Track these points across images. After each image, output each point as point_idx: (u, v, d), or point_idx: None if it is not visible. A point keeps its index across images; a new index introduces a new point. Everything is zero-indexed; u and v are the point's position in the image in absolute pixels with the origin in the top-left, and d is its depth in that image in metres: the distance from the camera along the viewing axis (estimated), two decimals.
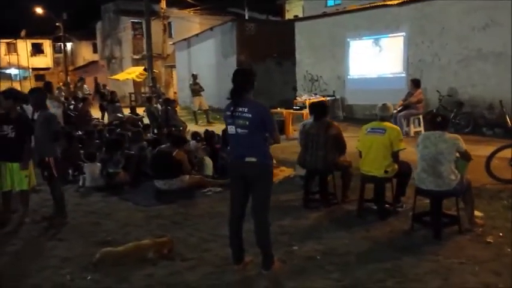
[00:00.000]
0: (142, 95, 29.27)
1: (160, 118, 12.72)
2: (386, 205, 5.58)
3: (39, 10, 37.97)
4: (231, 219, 4.16)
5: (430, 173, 4.76)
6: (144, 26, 30.52)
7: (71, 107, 13.23)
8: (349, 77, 14.96)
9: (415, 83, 11.68)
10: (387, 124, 5.42)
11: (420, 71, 12.94)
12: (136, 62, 31.21)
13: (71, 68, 42.10)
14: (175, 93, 26.92)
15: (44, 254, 4.69)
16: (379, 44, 14.08)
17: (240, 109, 3.89)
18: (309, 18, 16.79)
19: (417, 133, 11.49)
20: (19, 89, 39.27)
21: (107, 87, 18.14)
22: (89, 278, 4.09)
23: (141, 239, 4.95)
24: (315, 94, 15.13)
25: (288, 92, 20.23)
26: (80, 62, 44.14)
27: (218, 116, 18.01)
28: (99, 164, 7.60)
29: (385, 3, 13.82)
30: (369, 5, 14.26)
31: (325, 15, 16.10)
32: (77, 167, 8.05)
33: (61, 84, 40.05)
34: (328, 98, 14.72)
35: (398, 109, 11.80)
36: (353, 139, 6.39)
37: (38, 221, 5.74)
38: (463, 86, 12.09)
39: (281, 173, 7.99)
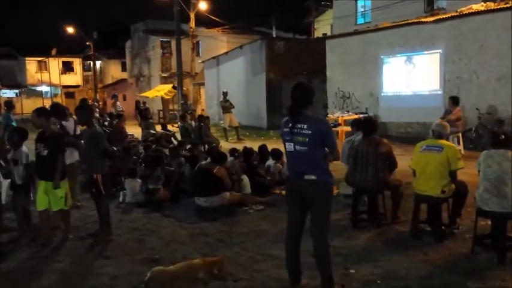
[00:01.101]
0: (171, 112, 29.58)
1: (193, 135, 12.68)
2: (442, 227, 5.33)
3: (70, 29, 38.91)
4: (288, 239, 4.00)
5: (494, 193, 4.52)
6: (173, 44, 31.34)
7: (106, 123, 13.34)
8: (382, 94, 14.75)
9: (454, 101, 11.38)
10: (444, 142, 5.22)
11: (457, 88, 12.66)
12: (164, 80, 31.62)
13: (99, 85, 42.87)
14: (202, 110, 27.03)
15: (93, 272, 4.59)
16: (414, 61, 13.87)
17: (299, 125, 3.76)
18: (340, 35, 16.71)
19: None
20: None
21: (146, 105, 18.34)
22: None
23: (188, 257, 4.86)
24: (348, 111, 14.94)
25: (317, 110, 20.09)
26: (109, 80, 44.92)
27: (248, 133, 17.99)
28: (139, 180, 7.55)
29: (420, 20, 13.64)
30: (403, 22, 14.10)
31: (357, 32, 16.01)
32: (117, 183, 8.02)
33: (90, 101, 41.08)
34: (361, 116, 14.51)
35: None
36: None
37: (82, 238, 5.67)
38: (503, 103, 11.75)
39: None
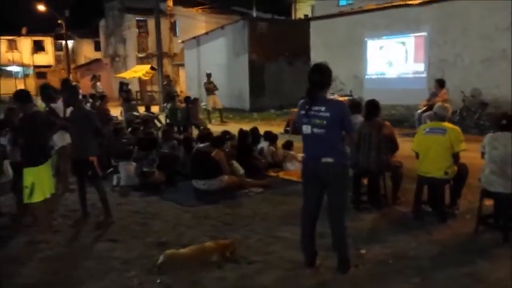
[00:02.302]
0: (148, 93, 29.14)
1: (181, 117, 12.51)
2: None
3: (41, 7, 37.56)
4: (304, 221, 4.01)
5: (499, 175, 4.62)
6: (149, 24, 30.68)
7: (88, 104, 12.99)
8: (367, 76, 14.86)
9: (440, 83, 11.55)
10: (447, 124, 5.28)
11: (442, 71, 12.86)
12: (140, 61, 31.00)
13: (72, 66, 41.71)
14: (181, 91, 26.71)
15: (103, 256, 4.52)
16: (399, 43, 13.98)
17: (317, 108, 3.74)
18: (325, 17, 16.66)
19: None
20: (21, 86, 39.06)
21: (129, 86, 17.93)
22: (158, 281, 3.93)
23: (196, 240, 4.84)
24: (333, 94, 14.97)
25: (299, 92, 19.99)
26: (81, 60, 43.74)
27: (231, 115, 17.90)
28: (134, 163, 7.44)
29: (406, 2, 13.72)
30: (388, 5, 14.16)
31: (342, 14, 15.99)
32: (108, 165, 7.89)
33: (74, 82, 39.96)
34: (346, 98, 14.60)
35: (423, 109, 11.71)
36: None
37: (77, 223, 5.57)
38: (487, 86, 12.01)
39: None
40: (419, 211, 5.43)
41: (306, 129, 3.79)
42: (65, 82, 10.75)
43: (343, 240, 3.85)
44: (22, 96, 5.00)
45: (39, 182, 4.84)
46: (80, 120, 5.44)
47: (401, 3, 13.86)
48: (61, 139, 6.71)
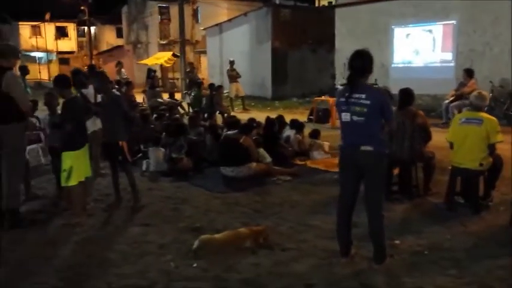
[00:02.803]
0: (170, 80, 29.26)
1: (205, 104, 12.55)
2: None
3: None
4: (340, 210, 3.99)
5: None
6: (171, 10, 30.69)
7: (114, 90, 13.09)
8: (393, 65, 14.64)
9: (469, 73, 11.33)
10: (483, 114, 5.19)
11: (470, 60, 12.58)
12: (162, 48, 31.07)
13: (94, 52, 42.04)
14: (203, 79, 26.75)
15: (138, 240, 4.58)
16: (426, 32, 13.73)
17: (357, 95, 3.69)
18: (350, 4, 16.40)
19: None
20: (45, 72, 39.60)
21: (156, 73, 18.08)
22: (194, 265, 3.97)
23: (228, 226, 4.87)
24: None
25: (321, 80, 19.99)
26: (103, 47, 44.08)
27: (253, 103, 17.87)
28: (162, 149, 7.50)
29: None
30: None
31: (368, 1, 15.71)
32: (137, 151, 7.98)
33: (86, 68, 40.33)
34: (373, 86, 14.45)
35: (450, 99, 11.53)
36: None
37: (110, 207, 5.66)
38: None
39: None
40: (452, 202, 5.37)
41: (345, 116, 3.75)
42: (91, 68, 10.90)
43: (380, 230, 3.83)
44: (62, 81, 5.08)
45: (77, 166, 4.93)
46: (110, 105, 5.52)
47: None
48: (93, 124, 6.78)
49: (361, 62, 3.75)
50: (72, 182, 4.92)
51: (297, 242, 4.50)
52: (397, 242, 4.43)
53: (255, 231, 4.46)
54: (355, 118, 3.70)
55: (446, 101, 11.56)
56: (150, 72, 16.37)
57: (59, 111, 5.63)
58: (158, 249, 4.34)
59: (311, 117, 12.97)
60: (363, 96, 3.65)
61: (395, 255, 4.14)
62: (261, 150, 7.20)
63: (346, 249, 4.02)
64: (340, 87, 13.74)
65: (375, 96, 3.67)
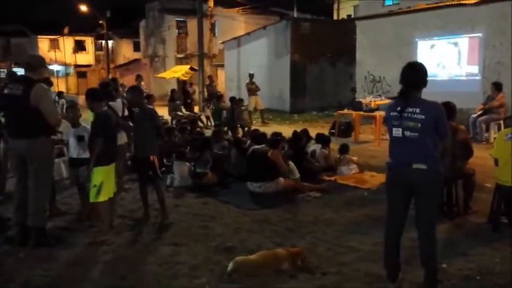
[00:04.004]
0: None
1: (226, 118, 12.39)
2: None
3: (83, 8, 38.38)
4: (389, 231, 3.73)
5: None
6: (189, 24, 30.87)
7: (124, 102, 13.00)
8: None
9: (497, 87, 11.03)
10: None
11: (497, 73, 12.24)
12: (179, 61, 31.15)
13: (111, 65, 42.43)
14: (219, 92, 26.74)
15: (168, 261, 4.36)
16: (451, 44, 13.44)
17: (411, 109, 3.46)
18: (372, 17, 16.21)
19: None
20: (63, 85, 40.01)
21: (193, 87, 18.42)
22: None
23: (262, 246, 4.64)
24: (379, 96, 14.55)
25: (340, 93, 19.75)
26: (120, 60, 44.46)
27: (271, 117, 17.67)
28: (187, 164, 7.32)
29: (460, 2, 13.16)
30: (441, 4, 13.61)
31: (391, 13, 15.51)
32: (160, 165, 7.80)
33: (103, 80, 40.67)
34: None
35: (478, 113, 11.21)
36: None
37: (140, 222, 5.47)
38: None
39: (373, 179, 7.56)
40: (497, 222, 5.07)
41: (397, 132, 3.51)
42: (131, 87, 10.80)
43: (433, 254, 3.56)
44: (94, 94, 4.95)
45: (107, 182, 4.76)
46: (145, 119, 5.41)
47: (455, 2, 13.30)
48: (118, 138, 6.65)
49: (415, 74, 3.53)
50: (102, 198, 4.75)
51: (337, 265, 4.24)
52: (444, 265, 4.14)
53: (292, 252, 4.21)
54: (407, 134, 3.46)
55: (474, 115, 11.25)
56: (185, 85, 16.64)
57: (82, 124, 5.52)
58: (191, 271, 4.12)
59: (333, 130, 12.70)
60: (417, 110, 3.42)
61: (445, 280, 3.86)
62: (291, 165, 6.98)
63: (394, 274, 3.74)
64: (362, 100, 13.60)
65: (430, 110, 3.43)
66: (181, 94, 16.61)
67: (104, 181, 4.79)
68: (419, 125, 3.42)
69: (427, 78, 3.59)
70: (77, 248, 4.73)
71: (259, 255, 4.16)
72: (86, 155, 5.38)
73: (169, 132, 8.90)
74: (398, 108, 3.51)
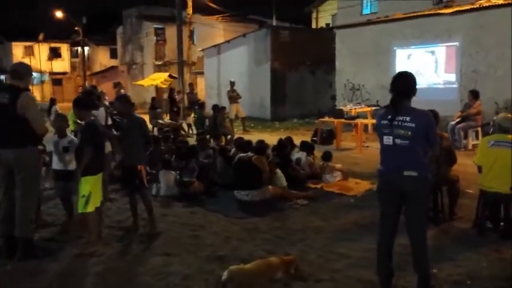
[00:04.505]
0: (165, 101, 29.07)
1: (208, 125, 12.37)
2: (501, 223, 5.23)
3: (58, 14, 37.85)
4: (381, 237, 3.78)
5: None
6: (167, 32, 30.76)
7: (115, 112, 12.88)
8: None
9: (474, 94, 11.29)
10: None
11: (474, 82, 12.58)
12: (158, 68, 30.98)
13: (87, 73, 41.88)
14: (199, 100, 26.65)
15: (160, 271, 4.32)
16: (429, 53, 13.76)
17: (401, 118, 3.54)
18: (351, 26, 16.48)
19: (475, 146, 11.15)
20: (38, 92, 39.24)
21: (180, 95, 18.33)
22: None
23: (254, 254, 4.65)
24: (359, 103, 14.76)
25: (320, 101, 19.96)
26: (97, 67, 43.97)
27: (252, 124, 17.71)
28: (173, 173, 7.27)
29: (437, 12, 13.50)
30: (418, 14, 13.94)
31: (370, 23, 15.79)
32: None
33: (80, 88, 40.08)
34: (373, 108, 14.39)
35: (456, 120, 11.47)
36: None
37: (127, 232, 5.42)
38: None
39: (357, 186, 7.66)
40: (482, 227, 5.20)
41: (387, 140, 3.59)
42: (93, 89, 10.68)
43: (425, 259, 3.62)
44: (83, 102, 4.90)
45: (95, 192, 4.70)
46: (133, 128, 5.39)
47: (432, 12, 13.65)
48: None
49: (405, 83, 3.62)
50: (90, 209, 4.68)
51: (329, 272, 4.28)
52: (434, 270, 4.21)
53: (285, 260, 4.22)
54: (398, 141, 3.54)
55: (453, 123, 11.49)
56: (173, 92, 16.68)
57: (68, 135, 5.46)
58: (184, 281, 4.10)
59: (315, 138, 12.80)
60: (408, 118, 3.50)
61: (437, 285, 3.94)
62: (278, 173, 7.02)
63: (387, 280, 3.79)
64: (343, 108, 13.75)
65: (420, 119, 3.51)
66: (167, 102, 16.51)
67: (92, 191, 4.73)
68: (409, 133, 3.49)
69: (416, 88, 3.66)
70: (66, 260, 4.65)
71: (253, 264, 4.14)
72: (71, 167, 5.32)
73: (155, 141, 8.81)
74: (389, 117, 3.59)
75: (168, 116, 15.69)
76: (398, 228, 3.73)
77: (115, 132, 6.41)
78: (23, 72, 4.62)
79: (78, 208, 4.74)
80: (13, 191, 4.52)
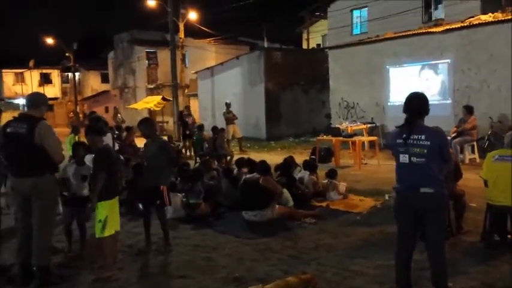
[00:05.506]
0: (159, 124, 29.12)
1: (207, 147, 12.45)
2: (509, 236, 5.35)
3: (49, 40, 38.03)
4: (399, 256, 3.87)
5: None
6: (159, 55, 31.01)
7: (115, 136, 12.94)
8: (389, 103, 14.87)
9: (469, 110, 11.54)
10: None
11: (467, 97, 12.87)
12: (150, 92, 31.11)
13: (79, 97, 41.92)
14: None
15: None
16: (422, 70, 14.05)
17: (416, 136, 3.67)
18: (344, 46, 16.79)
19: (472, 160, 11.34)
20: None
21: (191, 117, 18.40)
22: None
23: (271, 274, 4.70)
24: (354, 121, 14.97)
25: (314, 119, 20.20)
26: (88, 92, 44.01)
27: (248, 144, 17.82)
28: (179, 195, 7.32)
29: (428, 30, 13.84)
30: (410, 33, 14.28)
31: (362, 42, 16.12)
32: None
33: (72, 114, 40.07)
34: (368, 125, 14.60)
35: (452, 135, 11.66)
36: None
37: (139, 255, 5.46)
38: None
39: (362, 203, 7.76)
40: (491, 240, 5.30)
41: (403, 158, 3.71)
42: (143, 119, 10.72)
43: (444, 273, 3.72)
44: (96, 128, 4.98)
45: (112, 215, 4.75)
46: (156, 150, 5.58)
47: (423, 31, 13.99)
48: None
49: (419, 103, 3.76)
50: (107, 233, 4.72)
51: None
52: (450, 284, 4.29)
53: (303, 279, 4.28)
54: (414, 159, 3.65)
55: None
56: (183, 114, 16.80)
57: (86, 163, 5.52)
58: None
59: (313, 156, 12.91)
60: (422, 137, 3.63)
61: None
62: (286, 193, 7.09)
63: None
64: (339, 126, 13.91)
65: (434, 137, 3.65)
66: (178, 126, 16.54)
67: (108, 215, 4.77)
68: (425, 150, 3.62)
69: (429, 107, 3.80)
70: (83, 286, 4.66)
71: (274, 285, 4.19)
72: (85, 193, 5.41)
73: None
74: (404, 136, 3.71)
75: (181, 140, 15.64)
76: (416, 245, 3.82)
77: (121, 157, 6.51)
78: (39, 101, 4.69)
79: (95, 233, 4.77)
80: (30, 219, 4.54)
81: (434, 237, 3.71)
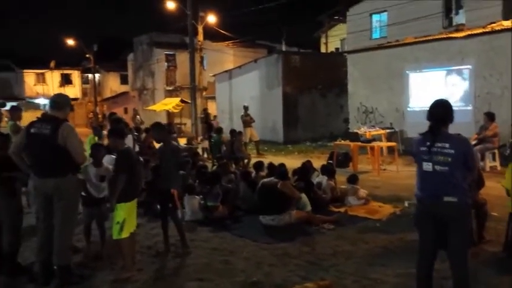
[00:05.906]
0: (177, 125, 29.34)
1: (225, 150, 12.48)
2: None
3: (70, 42, 38.59)
4: (421, 264, 3.82)
5: None
6: (178, 57, 31.27)
7: (135, 137, 13.04)
8: (409, 109, 14.72)
9: (490, 117, 11.35)
10: None
11: (488, 104, 12.67)
12: (169, 94, 31.40)
13: (98, 98, 42.44)
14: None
15: None
16: (442, 76, 13.88)
17: (440, 144, 3.62)
18: (363, 50, 16.70)
19: (493, 168, 11.15)
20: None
21: (216, 120, 18.48)
22: None
23: (289, 280, 4.69)
24: (373, 126, 14.85)
25: (331, 124, 20.12)
26: (107, 93, 44.53)
27: (266, 148, 17.82)
28: (197, 197, 7.35)
29: (449, 36, 13.68)
30: (431, 38, 14.14)
31: (381, 47, 16.01)
32: None
33: (91, 114, 40.60)
34: (387, 131, 14.47)
35: (473, 143, 11.48)
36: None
37: (156, 256, 5.47)
38: None
39: (381, 209, 7.69)
40: None
41: (427, 166, 3.65)
42: (155, 123, 10.82)
43: (467, 284, 3.66)
44: (118, 131, 5.03)
45: (129, 217, 4.79)
46: (168, 154, 5.64)
47: (444, 36, 13.83)
48: None
49: (444, 111, 3.71)
50: (125, 234, 4.76)
51: None
52: None
53: (322, 286, 4.27)
54: (438, 168, 3.60)
55: None
56: (208, 116, 16.85)
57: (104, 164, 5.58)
58: None
59: (330, 161, 12.83)
60: (447, 145, 3.58)
61: None
62: (304, 197, 7.07)
63: None
64: (357, 130, 13.81)
65: (459, 145, 3.59)
66: (204, 127, 16.57)
67: (126, 217, 4.81)
68: (449, 159, 3.56)
69: (453, 115, 3.75)
70: (103, 286, 4.70)
71: None
72: (103, 194, 5.48)
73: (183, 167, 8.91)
74: (428, 143, 3.66)
75: (207, 142, 15.66)
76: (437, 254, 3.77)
77: (141, 159, 6.57)
78: (63, 103, 4.75)
79: (113, 234, 4.82)
80: (51, 220, 4.60)
81: (457, 246, 3.65)
